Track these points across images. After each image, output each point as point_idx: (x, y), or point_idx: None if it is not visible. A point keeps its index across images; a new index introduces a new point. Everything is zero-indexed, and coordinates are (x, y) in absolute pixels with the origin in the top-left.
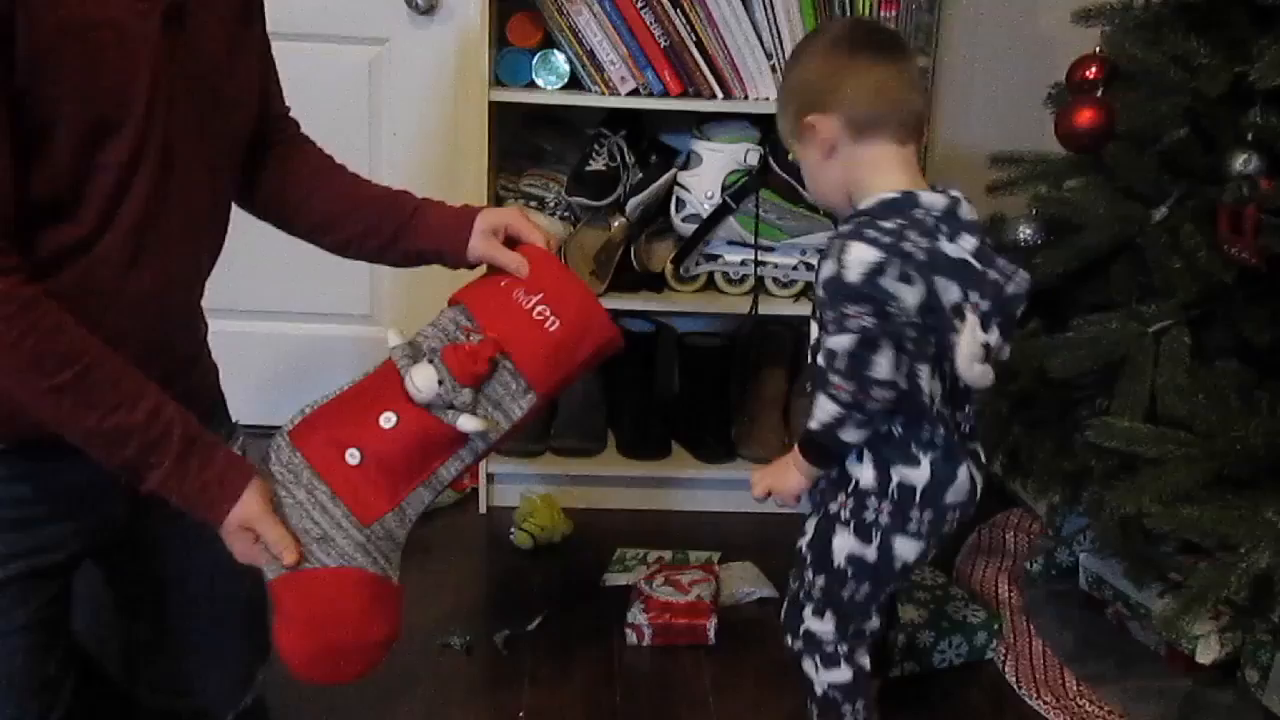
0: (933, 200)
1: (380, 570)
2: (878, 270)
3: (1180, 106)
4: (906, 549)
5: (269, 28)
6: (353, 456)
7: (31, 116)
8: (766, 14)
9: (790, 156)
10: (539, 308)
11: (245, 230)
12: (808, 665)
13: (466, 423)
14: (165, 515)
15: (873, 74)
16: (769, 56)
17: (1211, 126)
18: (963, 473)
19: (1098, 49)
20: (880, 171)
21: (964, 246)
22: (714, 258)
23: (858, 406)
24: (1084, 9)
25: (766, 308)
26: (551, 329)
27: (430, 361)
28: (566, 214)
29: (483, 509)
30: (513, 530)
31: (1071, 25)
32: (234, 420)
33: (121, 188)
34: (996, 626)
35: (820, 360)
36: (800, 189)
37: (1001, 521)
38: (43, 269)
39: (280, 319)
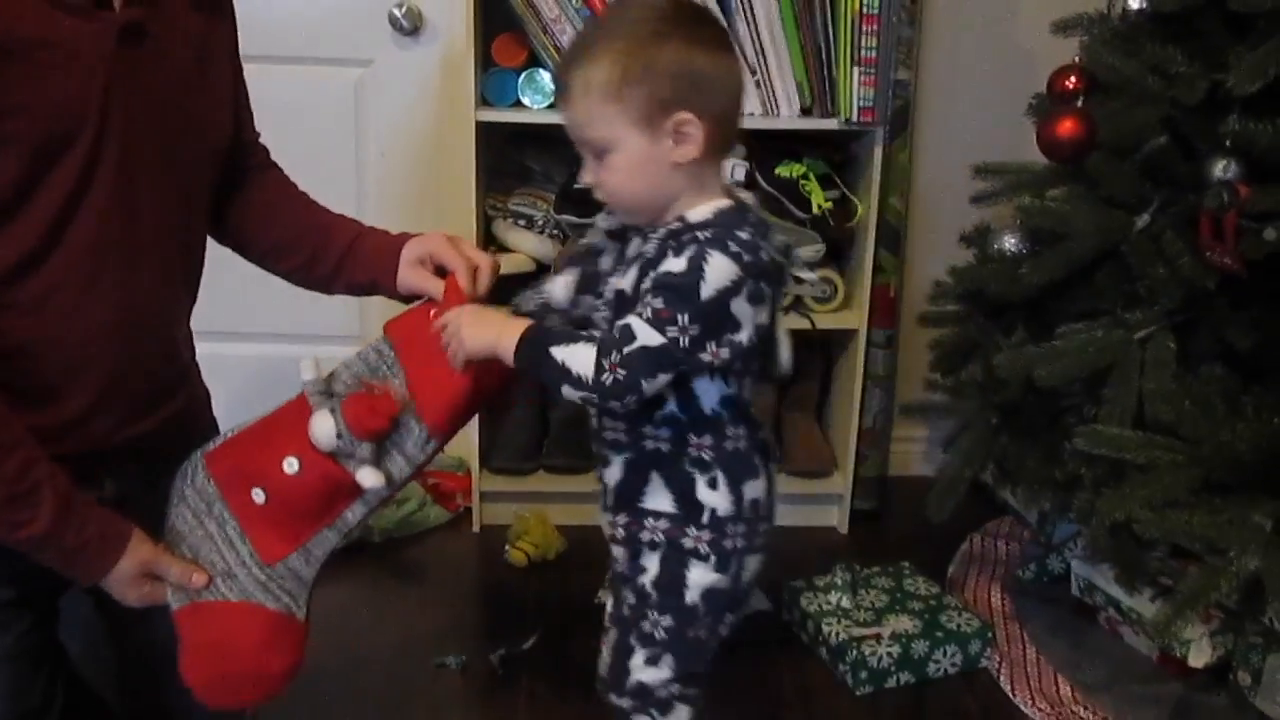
0: (752, 200)
1: (282, 607)
2: (732, 291)
3: (1159, 115)
4: (753, 565)
5: (254, 51)
6: (258, 496)
7: None
8: (749, 29)
9: (594, 137)
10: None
11: (230, 252)
12: None
13: (366, 477)
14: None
15: (738, 77)
16: (753, 72)
17: (1191, 134)
18: (769, 474)
19: (1076, 59)
20: (708, 191)
21: (774, 244)
22: None
23: (606, 394)
24: (1062, 20)
25: None
26: (454, 370)
27: (332, 411)
28: (555, 232)
29: (476, 528)
30: (506, 548)
31: (1051, 36)
32: None
33: (70, 207)
34: (990, 635)
35: (608, 329)
36: (787, 204)
37: (993, 530)
38: None
39: (269, 341)
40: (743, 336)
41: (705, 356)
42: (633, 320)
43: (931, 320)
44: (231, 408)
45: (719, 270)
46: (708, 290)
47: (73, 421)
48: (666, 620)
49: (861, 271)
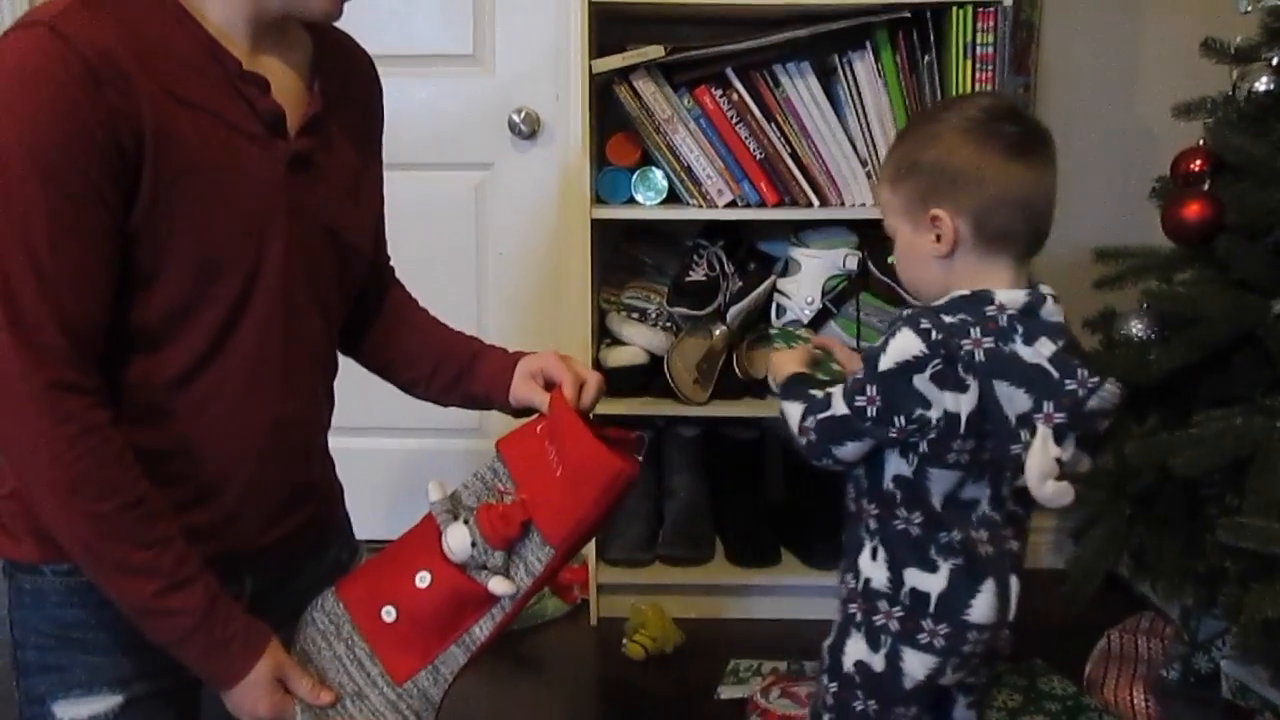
0: (1011, 297)
1: None
2: (913, 366)
3: None
4: (916, 665)
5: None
6: (388, 614)
7: (146, 252)
8: (859, 121)
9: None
10: (552, 455)
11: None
12: None
13: (498, 585)
14: (284, 636)
15: (1016, 177)
16: (864, 164)
17: None
18: (987, 590)
19: (1201, 141)
20: (988, 285)
21: (1041, 352)
22: None
23: (806, 452)
24: (1184, 103)
25: None
26: (558, 474)
27: (465, 522)
28: (669, 324)
29: (593, 620)
30: (624, 642)
31: (1171, 119)
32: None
33: (232, 319)
34: None
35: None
36: (901, 290)
37: (1132, 626)
38: (151, 400)
39: (393, 435)
40: (931, 414)
41: (892, 432)
42: (837, 388)
43: None
44: (357, 500)
45: (901, 344)
46: (886, 362)
47: (218, 523)
48: (833, 686)
49: None
